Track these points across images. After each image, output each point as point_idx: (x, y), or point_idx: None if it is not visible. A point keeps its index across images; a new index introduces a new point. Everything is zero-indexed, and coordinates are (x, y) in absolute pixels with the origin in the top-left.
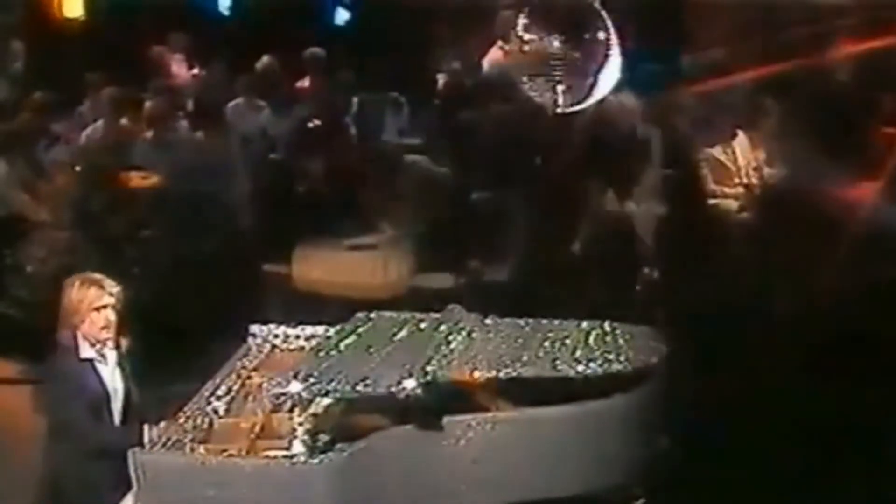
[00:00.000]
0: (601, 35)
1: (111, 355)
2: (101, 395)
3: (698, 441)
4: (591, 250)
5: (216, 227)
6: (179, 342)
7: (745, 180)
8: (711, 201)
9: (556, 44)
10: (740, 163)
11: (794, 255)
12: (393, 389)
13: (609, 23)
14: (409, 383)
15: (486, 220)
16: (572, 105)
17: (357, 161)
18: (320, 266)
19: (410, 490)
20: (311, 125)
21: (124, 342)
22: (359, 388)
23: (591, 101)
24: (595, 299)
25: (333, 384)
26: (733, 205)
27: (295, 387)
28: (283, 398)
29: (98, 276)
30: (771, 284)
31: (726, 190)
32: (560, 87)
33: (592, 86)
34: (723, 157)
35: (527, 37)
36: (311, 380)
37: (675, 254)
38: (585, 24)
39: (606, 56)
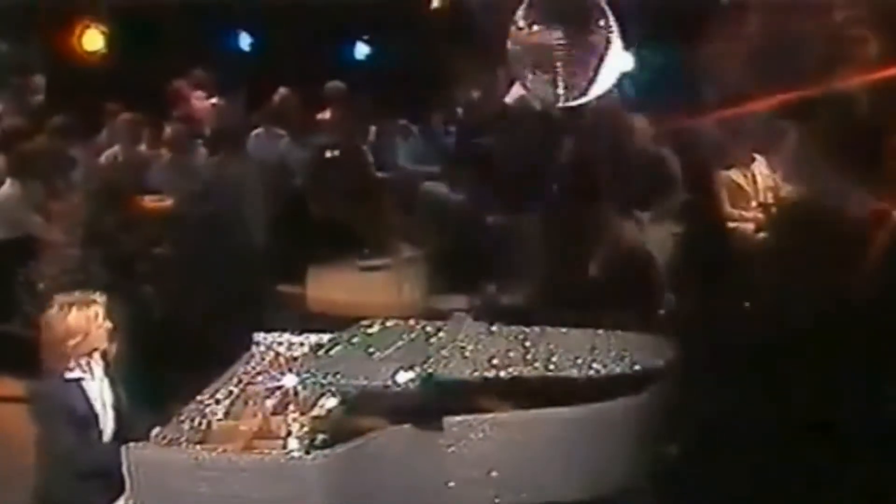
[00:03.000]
0: (602, 28)
1: (97, 368)
2: (87, 413)
3: (703, 449)
4: (606, 274)
5: (230, 249)
6: (188, 360)
7: (763, 203)
8: (729, 224)
9: (557, 35)
10: (759, 186)
11: (812, 275)
12: (388, 383)
13: (610, 16)
14: (405, 377)
15: (501, 243)
16: (573, 99)
17: (373, 186)
18: (334, 286)
19: (407, 489)
20: (329, 154)
21: (112, 353)
22: (354, 382)
23: (592, 95)
24: (610, 322)
25: (329, 378)
26: (751, 227)
27: (290, 380)
28: (277, 392)
29: (83, 295)
30: (788, 304)
31: (744, 213)
32: (560, 81)
33: (592, 79)
34: (741, 181)
35: (526, 28)
36: (307, 374)
37: (691, 276)
38: (586, 16)
39: (607, 49)
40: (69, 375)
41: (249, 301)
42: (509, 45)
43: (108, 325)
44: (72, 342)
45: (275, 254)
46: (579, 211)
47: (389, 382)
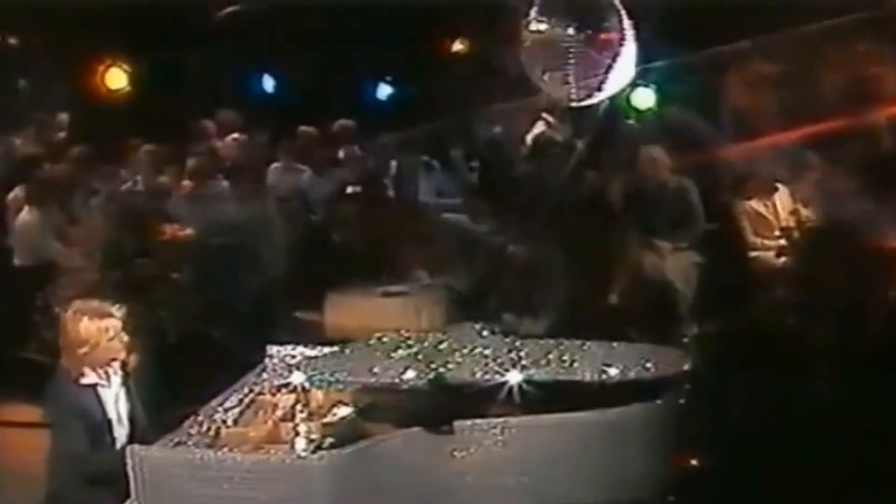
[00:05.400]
0: (615, 27)
1: (115, 377)
2: (101, 419)
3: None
4: (626, 304)
5: (251, 277)
6: (204, 378)
7: (784, 233)
8: (751, 253)
9: (570, 33)
10: (781, 215)
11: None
12: (396, 381)
13: (624, 15)
14: (410, 374)
15: (520, 273)
16: (586, 98)
17: (394, 219)
18: (353, 312)
19: (415, 491)
20: (350, 190)
21: (131, 363)
22: (363, 380)
23: (605, 95)
24: None
25: (337, 376)
26: (772, 256)
27: (298, 377)
28: (287, 398)
29: (98, 303)
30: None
31: (767, 242)
32: (573, 79)
33: (606, 78)
34: (762, 210)
35: (538, 26)
36: (314, 371)
37: (711, 305)
38: (599, 14)
39: (620, 48)
40: (84, 381)
41: (268, 325)
42: (521, 43)
43: (124, 337)
44: (82, 350)
45: (295, 280)
46: (599, 242)
47: (398, 380)
